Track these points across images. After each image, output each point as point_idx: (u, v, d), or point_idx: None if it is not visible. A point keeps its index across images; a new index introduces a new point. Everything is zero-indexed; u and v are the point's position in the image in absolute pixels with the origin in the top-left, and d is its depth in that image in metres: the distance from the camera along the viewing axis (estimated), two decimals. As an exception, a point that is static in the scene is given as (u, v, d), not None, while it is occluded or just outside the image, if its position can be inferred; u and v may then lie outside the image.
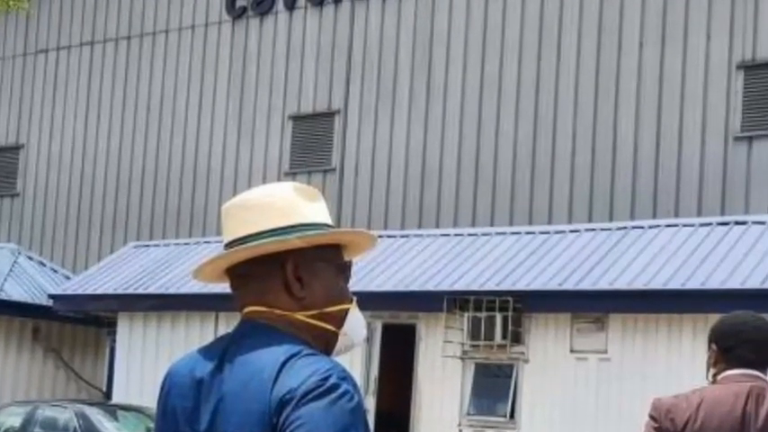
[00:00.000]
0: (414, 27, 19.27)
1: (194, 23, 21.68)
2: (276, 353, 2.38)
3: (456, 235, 17.15)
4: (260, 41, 20.90)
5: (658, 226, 15.60)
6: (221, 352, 2.48)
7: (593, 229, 16.12)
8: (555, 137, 17.73)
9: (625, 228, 15.87)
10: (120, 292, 18.72)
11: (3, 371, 20.12)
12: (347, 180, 19.61)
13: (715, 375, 4.39)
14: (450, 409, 15.59)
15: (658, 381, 13.51)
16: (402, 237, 17.60)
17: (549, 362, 14.95)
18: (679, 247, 14.79)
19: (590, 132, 17.46)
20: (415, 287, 15.90)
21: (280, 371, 2.35)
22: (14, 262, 21.05)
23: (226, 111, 21.08)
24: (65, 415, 15.66)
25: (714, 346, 4.39)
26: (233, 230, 2.54)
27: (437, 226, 18.31)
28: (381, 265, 16.49)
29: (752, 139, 16.31)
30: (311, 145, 20.18)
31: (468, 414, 15.50)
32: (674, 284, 14.09)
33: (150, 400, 13.31)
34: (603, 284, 14.62)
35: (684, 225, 15.41)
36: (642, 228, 15.69)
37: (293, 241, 2.48)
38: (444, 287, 15.61)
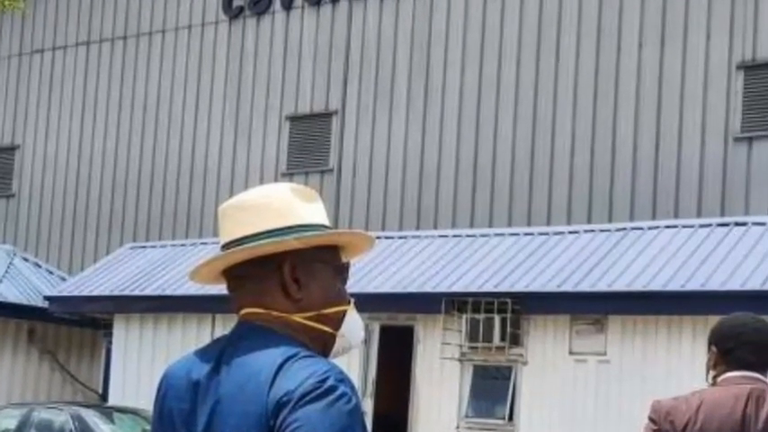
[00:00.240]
0: (412, 27, 19.23)
1: (191, 23, 21.64)
2: (273, 355, 2.38)
3: (454, 236, 17.12)
4: (257, 41, 20.85)
5: (658, 227, 15.56)
6: (218, 354, 2.48)
7: (593, 231, 16.09)
8: (554, 138, 17.68)
9: (624, 229, 15.83)
10: (116, 293, 18.67)
11: (-2, 373, 20.09)
12: (345, 181, 19.56)
13: (715, 377, 4.40)
14: (448, 411, 15.54)
15: (658, 383, 13.47)
16: (400, 238, 17.56)
17: (547, 364, 14.91)
18: (679, 249, 14.76)
19: (589, 133, 17.41)
20: (412, 288, 15.87)
21: (277, 373, 2.35)
22: (10, 263, 21.00)
23: (222, 111, 21.03)
24: (60, 417, 15.60)
25: (714, 348, 4.39)
26: (230, 232, 2.54)
27: (435, 227, 18.27)
28: (379, 267, 16.45)
29: (752, 140, 16.26)
30: (308, 145, 20.13)
31: (467, 416, 15.46)
32: (674, 286, 14.06)
33: (147, 403, 13.24)
34: (603, 286, 14.59)
35: (684, 226, 15.38)
36: (641, 229, 15.66)
37: (290, 242, 2.48)
38: (442, 288, 15.58)
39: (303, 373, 2.33)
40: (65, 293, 19.64)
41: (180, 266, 18.20)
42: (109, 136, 22.30)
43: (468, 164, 18.39)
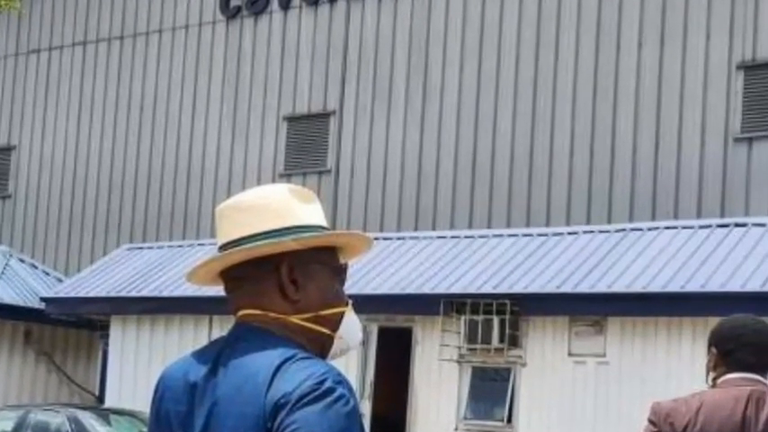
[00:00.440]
0: (410, 27, 19.19)
1: (188, 23, 21.59)
2: (271, 356, 2.38)
3: (453, 237, 17.08)
4: (254, 41, 20.81)
5: (657, 228, 15.53)
6: (215, 355, 2.48)
7: (592, 231, 16.06)
8: (553, 137, 17.64)
9: (624, 230, 15.80)
10: (112, 294, 18.63)
11: (-5, 374, 20.04)
12: (343, 181, 19.51)
13: (715, 379, 4.40)
14: (446, 413, 15.51)
15: (657, 385, 13.45)
16: (398, 239, 17.53)
17: (546, 365, 14.87)
18: (678, 250, 14.73)
19: (588, 133, 17.37)
20: (411, 290, 15.84)
21: (274, 375, 2.34)
22: (6, 264, 20.96)
23: (220, 111, 20.98)
24: (57, 419, 15.57)
25: (714, 350, 4.39)
26: (227, 232, 2.54)
27: (433, 228, 18.22)
28: (377, 268, 16.42)
29: (752, 140, 16.22)
30: (306, 146, 20.08)
31: (465, 418, 15.42)
32: (674, 287, 14.03)
33: (143, 404, 13.16)
34: (602, 287, 14.56)
35: (684, 227, 15.35)
36: (641, 230, 15.63)
37: (288, 243, 2.47)
38: (441, 290, 15.54)
39: (301, 374, 2.32)
40: (61, 295, 19.61)
41: (177, 268, 18.17)
42: (106, 136, 22.26)
43: (467, 164, 18.34)
